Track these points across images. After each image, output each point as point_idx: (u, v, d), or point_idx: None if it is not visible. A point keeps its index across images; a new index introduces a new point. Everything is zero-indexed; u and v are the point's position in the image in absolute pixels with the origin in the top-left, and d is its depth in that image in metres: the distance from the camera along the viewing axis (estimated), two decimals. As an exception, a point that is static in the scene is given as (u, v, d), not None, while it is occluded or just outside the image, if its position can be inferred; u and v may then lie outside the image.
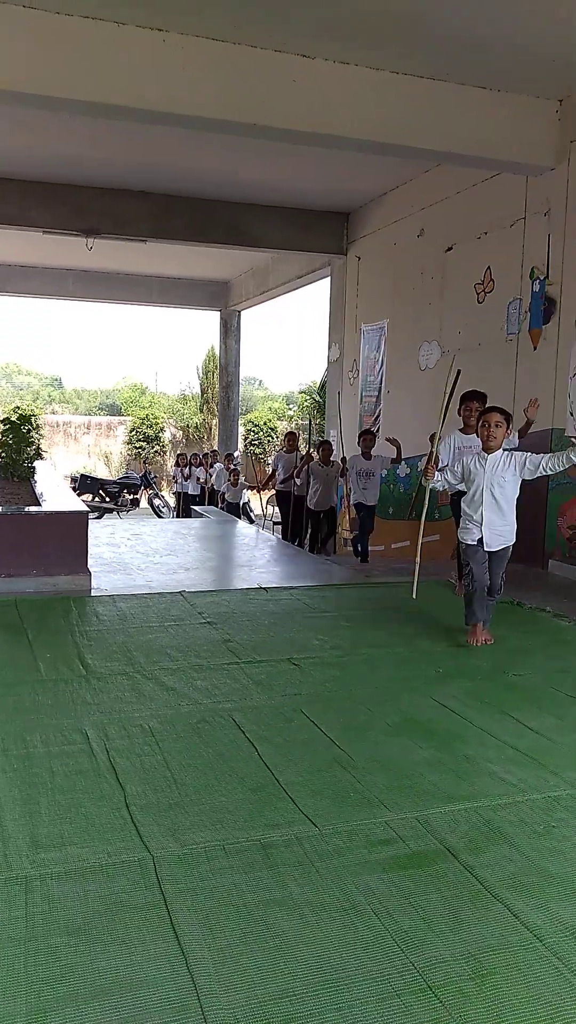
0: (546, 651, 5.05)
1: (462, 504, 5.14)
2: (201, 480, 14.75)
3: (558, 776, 3.25)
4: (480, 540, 4.97)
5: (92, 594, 6.15)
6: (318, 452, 9.75)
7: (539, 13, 5.83)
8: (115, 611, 5.70)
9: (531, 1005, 2.00)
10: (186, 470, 15.54)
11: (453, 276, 9.11)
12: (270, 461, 12.29)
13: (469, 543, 5.02)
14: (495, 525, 4.97)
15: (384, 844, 2.71)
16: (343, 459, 9.08)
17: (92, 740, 3.51)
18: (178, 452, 17.92)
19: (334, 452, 9.88)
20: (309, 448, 10.49)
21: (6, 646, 4.85)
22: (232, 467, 13.78)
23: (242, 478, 13.78)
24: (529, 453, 5.00)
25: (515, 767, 3.33)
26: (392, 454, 8.16)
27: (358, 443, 8.94)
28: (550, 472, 4.93)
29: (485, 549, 4.98)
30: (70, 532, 6.31)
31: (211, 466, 14.76)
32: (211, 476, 14.46)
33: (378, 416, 10.96)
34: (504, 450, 5.03)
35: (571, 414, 7.16)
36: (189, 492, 14.91)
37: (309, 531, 10.05)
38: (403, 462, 8.40)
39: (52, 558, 6.23)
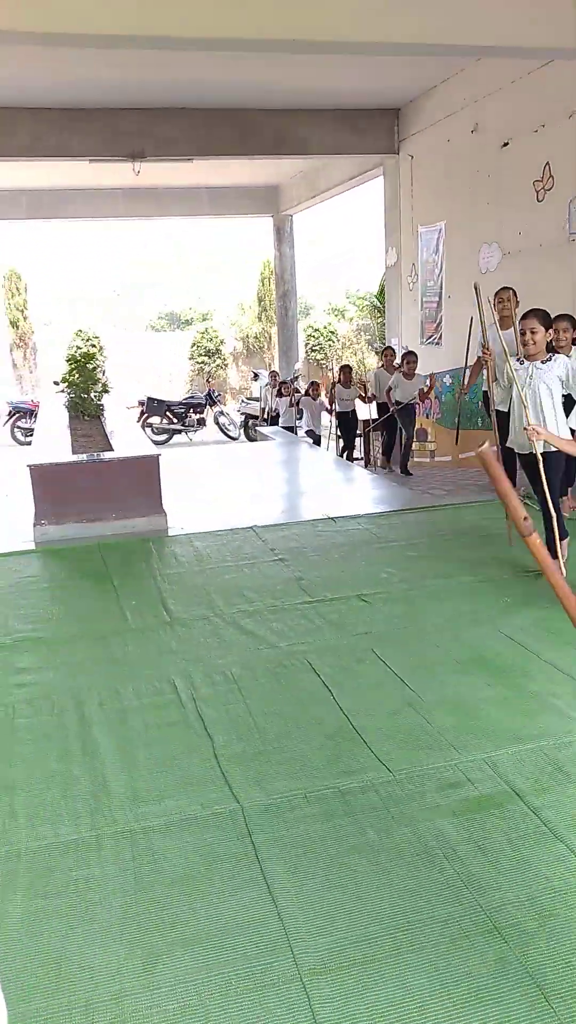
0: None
1: None
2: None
3: (622, 710, 3.39)
4: None
5: (169, 534, 6.42)
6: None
7: None
8: (192, 551, 5.95)
9: (591, 942, 2.20)
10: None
11: (511, 173, 8.70)
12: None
13: None
14: None
15: (454, 787, 2.92)
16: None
17: (180, 690, 3.79)
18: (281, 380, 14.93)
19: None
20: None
21: (95, 594, 5.16)
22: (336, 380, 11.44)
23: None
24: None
25: (580, 702, 3.47)
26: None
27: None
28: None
29: None
30: (144, 475, 6.54)
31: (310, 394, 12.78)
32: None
33: (439, 323, 10.74)
34: None
35: None
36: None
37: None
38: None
39: (129, 501, 6.49)
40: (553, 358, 4.95)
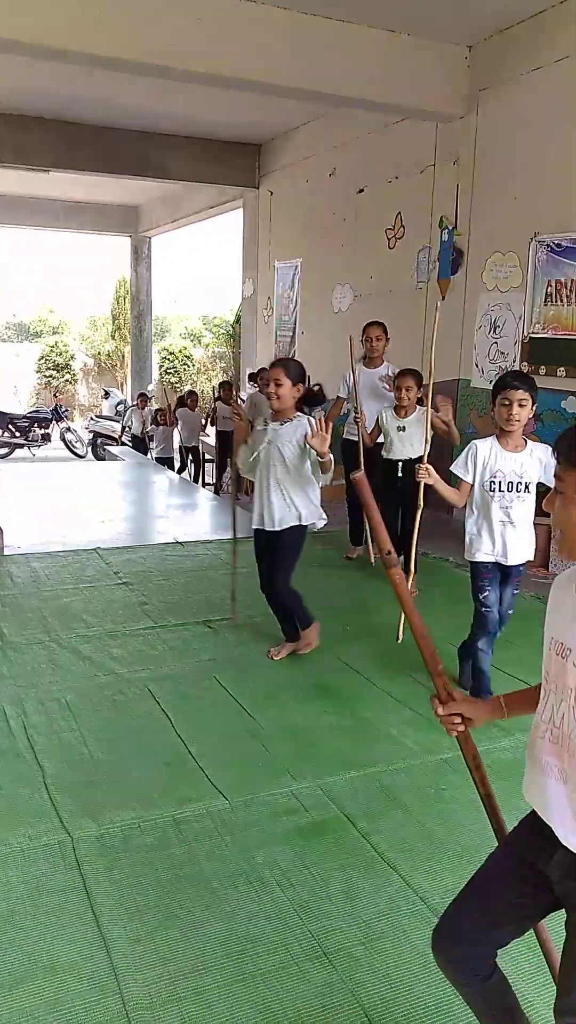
0: (447, 606, 5.34)
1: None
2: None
3: (449, 737, 3.54)
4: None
5: (5, 552, 6.15)
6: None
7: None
8: (29, 572, 5.73)
9: (412, 964, 2.27)
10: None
11: (365, 219, 9.09)
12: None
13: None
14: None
15: (288, 814, 2.95)
16: None
17: (9, 717, 3.62)
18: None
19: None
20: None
21: None
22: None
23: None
24: None
25: (411, 729, 3.60)
26: None
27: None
28: None
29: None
30: (-20, 490, 6.26)
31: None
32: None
33: (293, 357, 10.98)
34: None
35: (476, 365, 7.37)
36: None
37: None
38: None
39: (-38, 517, 6.18)
40: (296, 419, 4.12)
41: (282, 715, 3.73)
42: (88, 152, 10.89)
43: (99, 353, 25.29)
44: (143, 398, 13.82)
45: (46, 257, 26.60)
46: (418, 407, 5.37)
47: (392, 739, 3.51)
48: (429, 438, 4.59)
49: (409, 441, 5.41)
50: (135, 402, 14.10)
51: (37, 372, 24.53)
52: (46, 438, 16.32)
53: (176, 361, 25.05)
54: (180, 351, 25.33)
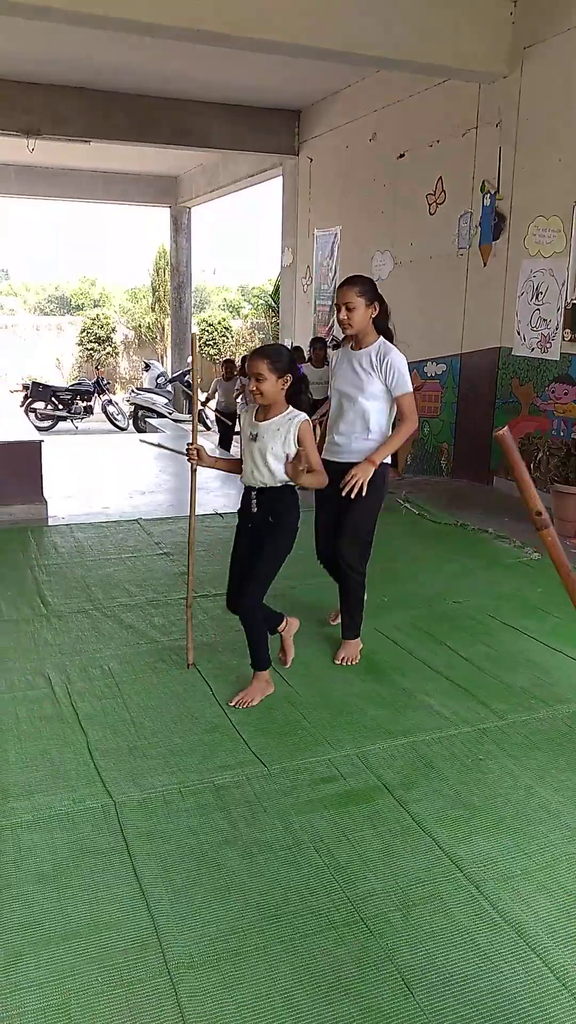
0: (486, 576, 5.32)
1: None
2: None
3: (487, 707, 3.54)
4: None
5: (49, 523, 6.25)
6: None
7: None
8: (73, 542, 5.82)
9: (448, 931, 2.29)
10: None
11: (405, 185, 8.93)
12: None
13: None
14: None
15: (326, 782, 2.98)
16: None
17: (55, 684, 3.70)
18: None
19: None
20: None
21: (-34, 584, 4.98)
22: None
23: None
24: None
25: (449, 699, 3.61)
26: None
27: None
28: None
29: None
30: (25, 462, 6.35)
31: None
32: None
33: (332, 327, 10.90)
34: None
35: (518, 333, 7.24)
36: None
37: None
38: None
39: (7, 488, 6.28)
40: None
41: (320, 684, 3.75)
42: (127, 121, 10.85)
43: (139, 325, 25.36)
44: (230, 366, 10.70)
45: (87, 229, 26.67)
46: (289, 407, 3.44)
47: (429, 709, 3.52)
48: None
49: (261, 455, 3.45)
50: (221, 373, 10.90)
51: (79, 345, 24.71)
52: (88, 411, 16.45)
53: (216, 333, 25.02)
54: (219, 322, 25.29)
